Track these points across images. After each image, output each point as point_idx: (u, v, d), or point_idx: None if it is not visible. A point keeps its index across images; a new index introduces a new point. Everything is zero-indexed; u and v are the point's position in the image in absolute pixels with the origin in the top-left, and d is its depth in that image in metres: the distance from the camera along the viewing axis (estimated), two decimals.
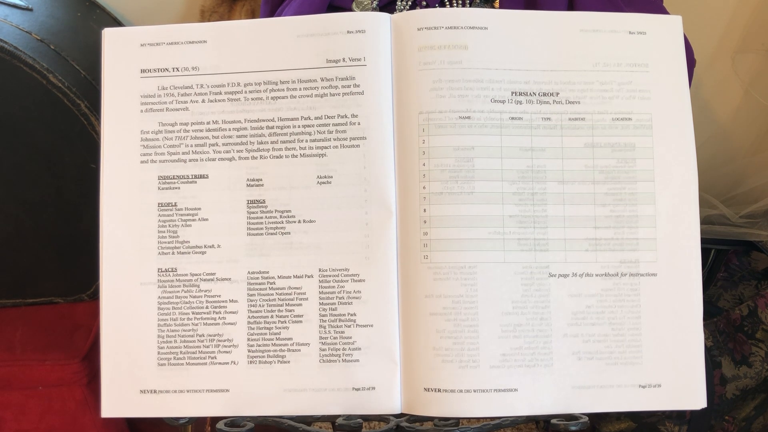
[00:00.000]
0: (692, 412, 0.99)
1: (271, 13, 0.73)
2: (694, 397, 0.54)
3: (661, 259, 0.55)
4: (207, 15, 1.00)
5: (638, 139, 0.55)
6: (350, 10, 0.66)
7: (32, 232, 0.96)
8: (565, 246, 0.54)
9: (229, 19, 0.99)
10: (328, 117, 0.55)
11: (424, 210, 0.54)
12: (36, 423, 1.03)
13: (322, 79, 0.56)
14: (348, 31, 0.56)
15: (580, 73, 0.55)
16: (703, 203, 1.06)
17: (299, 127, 0.56)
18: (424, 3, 0.66)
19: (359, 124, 0.55)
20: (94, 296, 1.02)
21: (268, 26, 0.57)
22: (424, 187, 0.54)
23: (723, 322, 1.01)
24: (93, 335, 1.00)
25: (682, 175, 0.55)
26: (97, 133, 0.86)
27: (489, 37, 0.55)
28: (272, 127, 0.56)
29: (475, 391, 0.53)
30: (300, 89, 0.56)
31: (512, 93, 0.55)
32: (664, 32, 0.56)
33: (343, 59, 0.56)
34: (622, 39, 0.56)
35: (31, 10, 0.90)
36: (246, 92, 0.56)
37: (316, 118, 0.55)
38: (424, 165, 0.54)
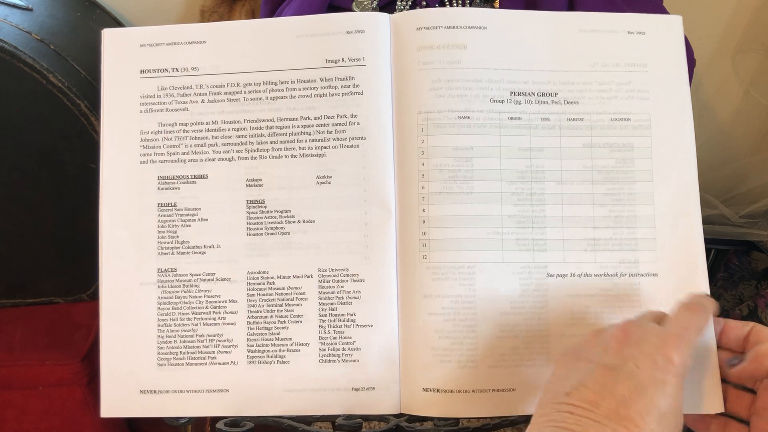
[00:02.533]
0: None
1: (271, 13, 0.73)
2: (711, 401, 0.50)
3: (661, 260, 0.54)
4: (207, 15, 1.00)
5: (637, 139, 0.55)
6: (350, 9, 0.66)
7: (32, 232, 0.96)
8: (563, 246, 0.54)
9: (229, 19, 0.99)
10: (327, 117, 0.55)
11: (423, 210, 0.54)
12: (36, 423, 1.03)
13: (322, 79, 0.56)
14: (347, 31, 0.56)
15: (578, 73, 0.55)
16: (703, 203, 1.06)
17: (298, 127, 0.56)
18: (424, 3, 0.66)
19: (358, 124, 0.55)
20: (94, 296, 1.02)
21: (267, 26, 0.57)
22: (423, 187, 0.54)
23: None
24: (93, 335, 1.00)
25: (682, 175, 0.55)
26: (97, 133, 0.86)
27: (488, 36, 0.55)
28: (271, 127, 0.56)
29: (473, 391, 0.53)
30: (299, 89, 0.56)
31: (511, 93, 0.55)
32: (663, 32, 0.56)
33: (343, 59, 0.56)
34: (620, 39, 0.56)
35: (31, 10, 0.90)
36: (245, 92, 0.56)
37: (315, 118, 0.55)
38: (423, 165, 0.54)
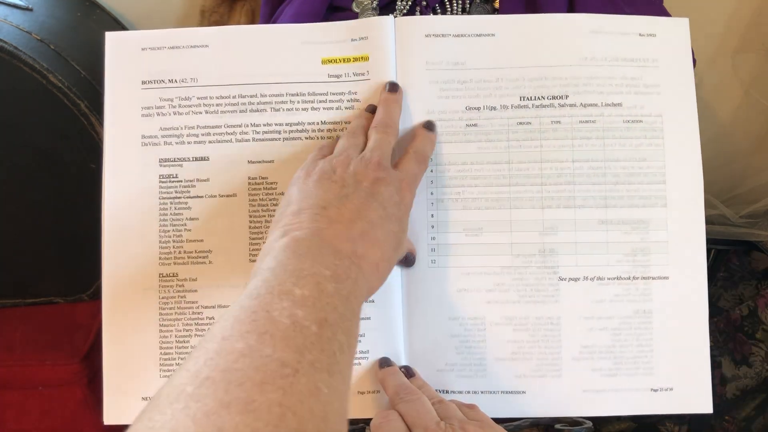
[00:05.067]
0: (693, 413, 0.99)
1: (272, 13, 0.73)
2: (702, 401, 0.54)
3: (672, 262, 0.55)
4: (207, 15, 1.00)
5: (649, 141, 0.55)
6: (350, 9, 0.66)
7: (32, 232, 0.96)
8: (575, 249, 0.54)
9: (229, 19, 0.99)
10: (333, 123, 0.55)
11: (432, 215, 0.54)
12: (36, 423, 1.03)
13: (328, 93, 0.55)
14: (351, 39, 0.55)
15: (590, 75, 0.55)
16: (703, 203, 1.06)
17: (303, 132, 0.55)
18: (425, 3, 0.65)
19: None
20: (94, 296, 1.01)
21: (270, 33, 0.56)
22: (431, 193, 0.54)
23: (723, 322, 1.01)
24: (93, 335, 1.00)
25: (690, 177, 0.55)
26: (98, 133, 0.86)
27: (497, 43, 0.55)
28: (279, 131, 0.56)
29: (482, 392, 0.54)
30: (305, 100, 0.56)
31: (521, 98, 0.55)
32: (672, 34, 0.56)
33: (347, 74, 0.55)
34: (632, 41, 0.56)
35: (31, 10, 0.90)
36: (248, 103, 0.56)
37: (322, 123, 0.55)
38: (431, 171, 0.54)
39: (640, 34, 0.56)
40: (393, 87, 0.55)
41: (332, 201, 0.45)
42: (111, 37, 0.57)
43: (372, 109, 0.54)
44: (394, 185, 0.48)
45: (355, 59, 0.55)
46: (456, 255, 0.54)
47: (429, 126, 0.54)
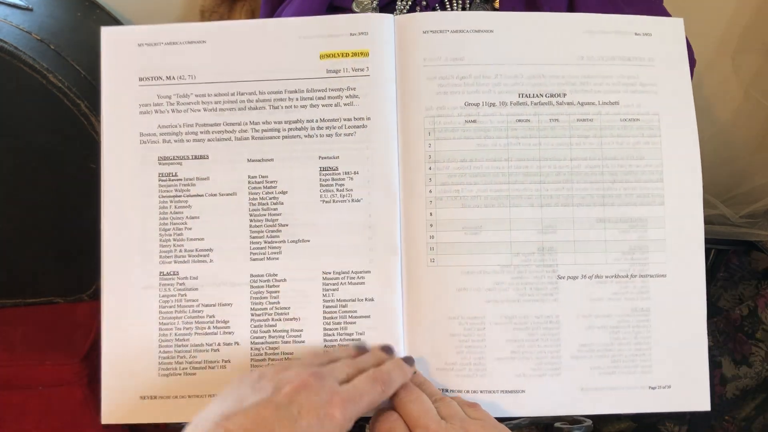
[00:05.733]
0: (692, 412, 0.99)
1: (271, 12, 0.73)
2: (700, 399, 0.55)
3: (670, 260, 0.55)
4: (207, 15, 1.00)
5: (646, 139, 0.55)
6: (350, 9, 0.66)
7: (32, 232, 0.96)
8: (574, 248, 0.54)
9: (229, 19, 0.99)
10: (332, 121, 0.55)
11: (431, 214, 0.54)
12: (36, 423, 1.03)
13: (327, 89, 0.55)
14: (351, 33, 0.55)
15: (587, 74, 0.56)
16: (703, 203, 1.06)
17: (302, 130, 0.55)
18: (425, 3, 0.66)
19: (364, 127, 0.55)
20: (94, 296, 1.01)
21: (268, 27, 0.56)
22: (430, 191, 0.54)
23: (723, 322, 1.01)
24: (93, 335, 1.00)
25: (689, 175, 0.56)
26: (98, 133, 0.86)
27: (495, 39, 0.55)
28: (278, 129, 0.55)
29: (482, 392, 0.54)
30: (303, 97, 0.55)
31: (519, 95, 0.55)
32: (668, 34, 0.57)
33: (345, 69, 0.55)
34: (628, 40, 0.56)
35: (31, 10, 0.90)
36: (246, 101, 0.56)
37: (321, 120, 0.55)
38: (430, 169, 0.54)
39: (635, 34, 0.57)
40: (408, 361, 0.52)
41: (239, 409, 0.43)
42: (107, 32, 0.57)
43: (387, 349, 0.53)
44: (322, 397, 0.44)
45: (354, 54, 0.55)
46: (455, 254, 0.54)
47: (407, 361, 0.52)
